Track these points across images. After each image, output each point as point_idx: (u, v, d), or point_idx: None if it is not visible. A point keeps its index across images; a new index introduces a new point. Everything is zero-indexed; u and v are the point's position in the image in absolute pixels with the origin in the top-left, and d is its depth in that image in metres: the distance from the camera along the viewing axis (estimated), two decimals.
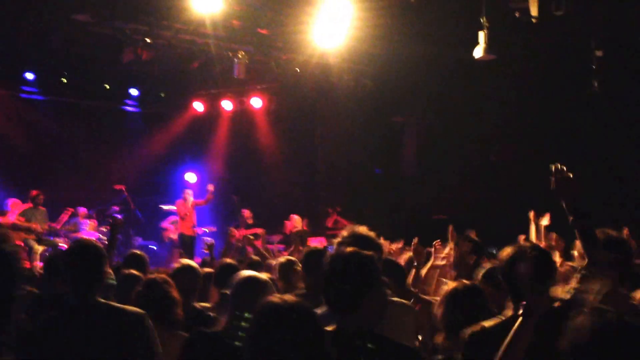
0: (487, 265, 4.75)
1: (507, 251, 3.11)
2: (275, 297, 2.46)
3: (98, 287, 3.49)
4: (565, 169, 3.20)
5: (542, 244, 6.26)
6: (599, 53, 10.88)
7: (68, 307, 3.45)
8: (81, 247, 3.55)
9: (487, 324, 3.07)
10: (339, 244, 3.53)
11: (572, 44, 11.28)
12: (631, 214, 11.01)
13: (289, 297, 2.44)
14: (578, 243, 3.77)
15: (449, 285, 3.82)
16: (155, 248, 15.52)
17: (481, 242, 5.84)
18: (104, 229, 13.99)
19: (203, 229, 15.21)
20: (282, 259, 5.44)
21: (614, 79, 11.22)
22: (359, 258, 2.73)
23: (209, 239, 12.79)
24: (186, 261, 4.98)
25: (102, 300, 3.48)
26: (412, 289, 5.12)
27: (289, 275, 5.14)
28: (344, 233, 3.61)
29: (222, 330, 3.24)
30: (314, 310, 2.43)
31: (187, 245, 13.81)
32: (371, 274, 2.71)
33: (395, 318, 3.46)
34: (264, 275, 3.48)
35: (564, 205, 3.21)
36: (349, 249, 2.81)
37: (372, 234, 3.63)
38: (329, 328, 2.67)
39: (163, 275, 4.18)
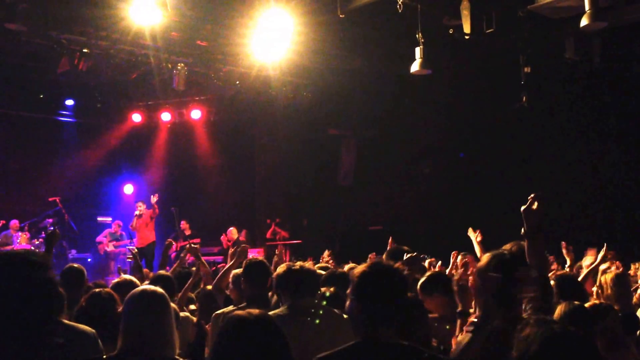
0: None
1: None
2: (241, 311, 2.48)
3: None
4: (537, 199, 3.40)
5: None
6: (527, 69, 11.33)
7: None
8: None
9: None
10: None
11: (503, 60, 11.72)
12: (557, 222, 11.49)
13: (254, 310, 2.46)
14: None
15: None
16: (90, 260, 15.24)
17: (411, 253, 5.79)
18: (37, 242, 13.68)
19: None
20: (237, 271, 5.36)
21: (540, 93, 11.72)
22: (400, 272, 2.81)
23: (133, 247, 12.61)
24: (125, 276, 4.93)
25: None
26: None
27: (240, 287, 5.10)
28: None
29: (117, 354, 3.06)
30: (277, 321, 2.46)
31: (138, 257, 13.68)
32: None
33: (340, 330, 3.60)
34: (155, 288, 3.21)
35: (524, 221, 3.39)
36: (389, 262, 2.87)
37: None
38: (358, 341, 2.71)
39: (107, 290, 4.09)
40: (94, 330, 3.33)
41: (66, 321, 3.30)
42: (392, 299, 2.70)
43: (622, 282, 5.15)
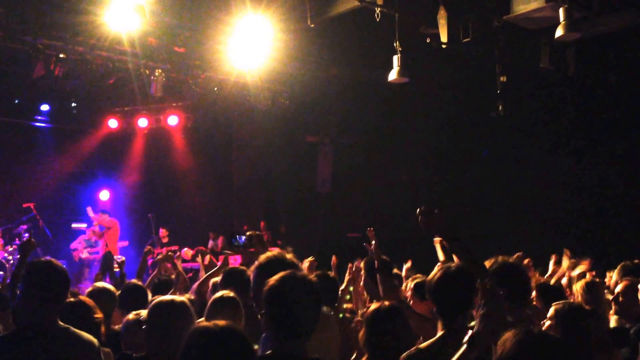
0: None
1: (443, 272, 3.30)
2: (206, 322, 2.48)
3: (58, 309, 3.39)
4: (429, 209, 3.43)
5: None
6: (503, 78, 11.45)
7: (25, 329, 3.30)
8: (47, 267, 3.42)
9: (422, 345, 3.19)
10: (260, 268, 3.38)
11: (479, 69, 11.84)
12: (534, 227, 11.62)
13: (219, 321, 2.45)
14: None
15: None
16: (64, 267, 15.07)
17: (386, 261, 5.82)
18: (11, 249, 13.52)
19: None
20: (216, 279, 5.33)
21: (516, 102, 11.84)
22: (314, 283, 2.79)
23: (120, 256, 12.51)
24: (101, 284, 4.89)
25: (62, 324, 3.35)
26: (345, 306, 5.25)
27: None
28: (262, 259, 3.43)
29: (145, 355, 3.22)
30: (244, 333, 2.44)
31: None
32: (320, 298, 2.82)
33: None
34: (182, 298, 3.41)
35: (438, 237, 3.43)
36: (302, 272, 2.86)
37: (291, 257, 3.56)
38: (267, 352, 2.70)
39: (82, 299, 4.04)
40: (96, 340, 3.41)
41: (73, 329, 3.32)
42: (303, 312, 2.67)
43: (594, 289, 5.23)
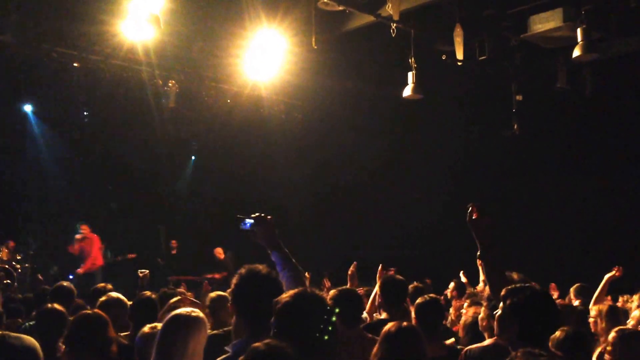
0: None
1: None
2: (258, 343, 2.41)
3: None
4: (476, 208, 3.34)
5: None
6: (518, 97, 11.38)
7: None
8: None
9: None
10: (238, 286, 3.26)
11: (495, 88, 11.77)
12: (548, 248, 11.49)
13: (271, 341, 2.41)
14: None
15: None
16: (71, 277, 15.05)
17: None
18: (19, 257, 13.53)
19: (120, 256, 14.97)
20: (213, 295, 5.29)
21: (531, 122, 11.75)
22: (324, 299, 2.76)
23: (144, 270, 12.44)
24: (115, 294, 4.84)
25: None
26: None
27: (219, 312, 4.97)
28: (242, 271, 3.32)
29: None
30: (293, 353, 2.40)
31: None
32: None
33: None
34: (197, 312, 3.36)
35: (475, 236, 3.36)
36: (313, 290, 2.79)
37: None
38: None
39: (97, 312, 3.93)
40: (37, 344, 3.38)
41: (10, 334, 3.32)
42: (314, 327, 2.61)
43: (613, 315, 5.15)
